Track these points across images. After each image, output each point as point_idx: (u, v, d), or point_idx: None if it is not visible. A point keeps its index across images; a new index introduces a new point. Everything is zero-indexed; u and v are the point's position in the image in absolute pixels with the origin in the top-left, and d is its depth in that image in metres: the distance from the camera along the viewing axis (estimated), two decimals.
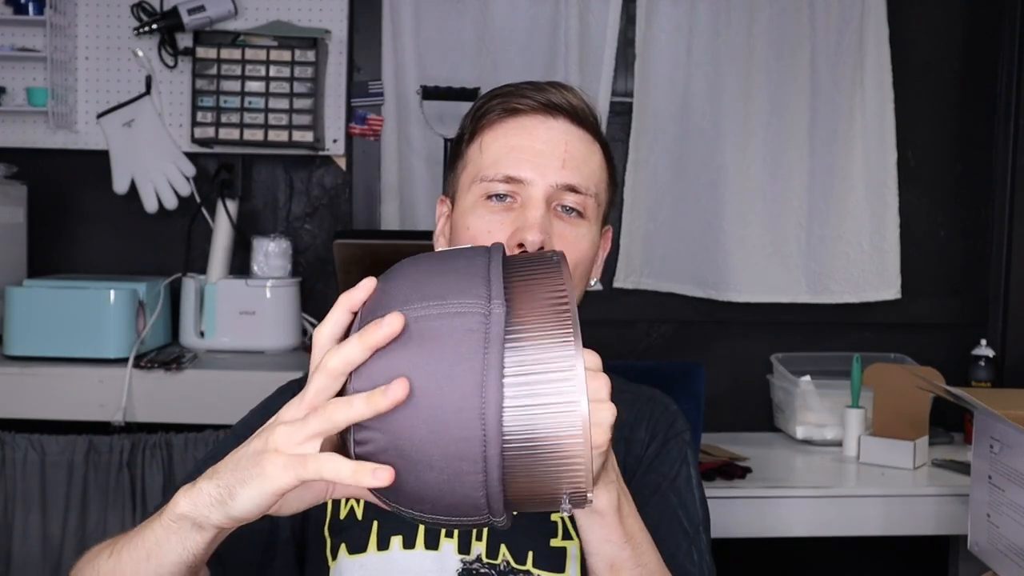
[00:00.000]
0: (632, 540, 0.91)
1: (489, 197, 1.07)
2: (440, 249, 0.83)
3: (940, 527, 2.25)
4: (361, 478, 0.72)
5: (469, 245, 0.83)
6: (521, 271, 0.78)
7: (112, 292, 2.29)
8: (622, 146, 2.73)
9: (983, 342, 2.69)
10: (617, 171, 1.17)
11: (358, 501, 1.08)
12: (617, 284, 2.73)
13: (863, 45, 2.72)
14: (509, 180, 1.06)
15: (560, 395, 0.71)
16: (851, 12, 2.72)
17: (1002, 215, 2.83)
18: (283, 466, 0.74)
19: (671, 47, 2.74)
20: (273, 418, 0.79)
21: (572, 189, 1.07)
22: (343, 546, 1.07)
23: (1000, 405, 1.62)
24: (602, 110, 2.69)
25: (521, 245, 1.03)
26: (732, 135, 2.72)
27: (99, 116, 2.61)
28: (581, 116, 1.10)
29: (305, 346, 2.58)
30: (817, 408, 2.55)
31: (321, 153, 2.68)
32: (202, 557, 0.82)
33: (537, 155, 1.06)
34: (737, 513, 2.20)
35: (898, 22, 2.75)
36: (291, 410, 0.77)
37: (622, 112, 2.76)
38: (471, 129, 1.12)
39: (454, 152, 1.15)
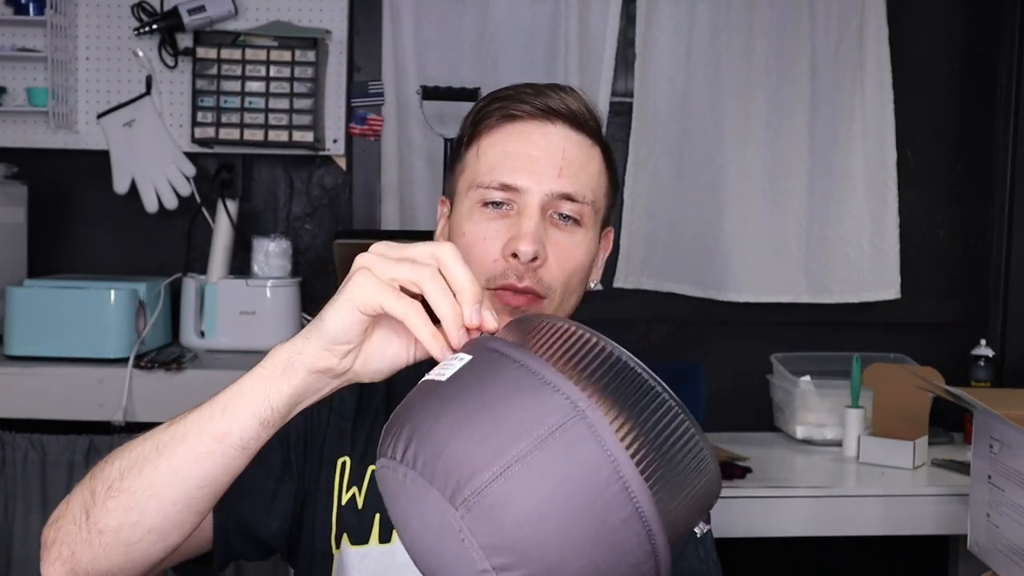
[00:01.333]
0: None
1: (485, 204, 1.06)
2: (448, 382, 0.73)
3: (940, 527, 2.25)
4: (433, 348, 0.75)
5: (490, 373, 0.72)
6: (545, 345, 0.72)
7: (112, 292, 2.29)
8: (622, 146, 2.73)
9: (983, 342, 2.69)
10: (618, 173, 1.17)
11: (359, 489, 1.09)
12: (617, 284, 2.73)
13: (863, 45, 2.72)
14: (505, 188, 1.05)
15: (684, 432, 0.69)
16: (851, 12, 2.72)
17: (1002, 215, 2.83)
18: (372, 284, 0.78)
19: (671, 47, 2.74)
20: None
21: (568, 198, 1.06)
22: (345, 535, 1.08)
23: (1000, 405, 1.62)
24: (602, 110, 2.69)
25: (515, 255, 1.03)
26: (732, 135, 2.72)
27: (99, 116, 2.61)
28: (580, 120, 1.09)
29: None
30: (817, 408, 2.55)
31: (321, 153, 2.68)
32: (278, 416, 0.84)
33: (533, 162, 1.05)
34: (737, 513, 2.20)
35: (898, 22, 2.75)
36: (383, 246, 0.81)
37: (622, 112, 2.76)
38: (469, 133, 1.11)
39: (454, 154, 1.15)
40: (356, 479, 1.10)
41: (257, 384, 0.83)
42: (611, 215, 1.16)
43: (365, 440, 1.12)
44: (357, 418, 1.13)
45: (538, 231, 1.04)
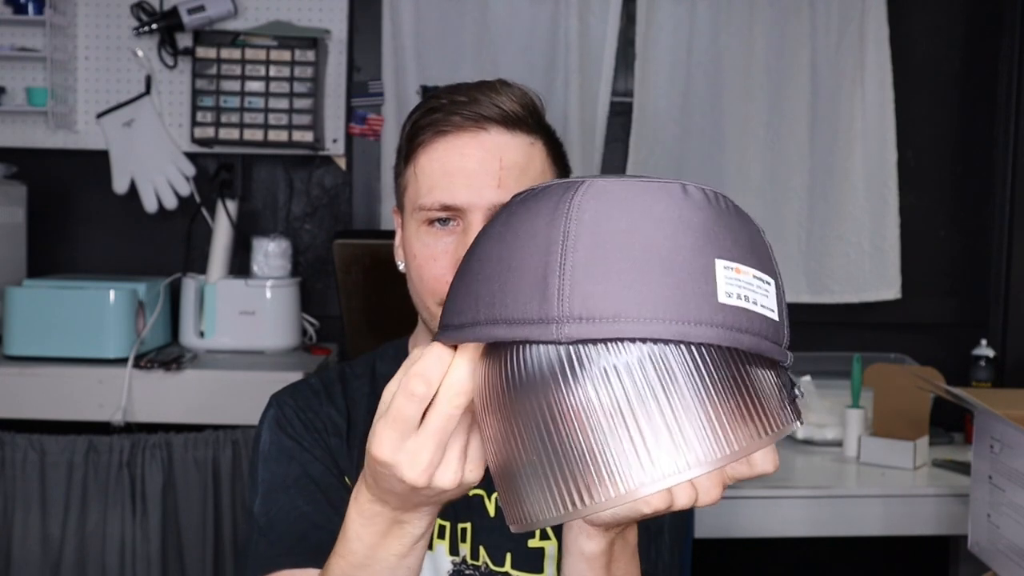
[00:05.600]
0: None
1: (431, 223, 1.05)
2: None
3: (940, 527, 2.25)
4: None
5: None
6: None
7: (112, 292, 2.29)
8: (622, 146, 2.73)
9: (983, 342, 2.69)
10: (568, 157, 1.13)
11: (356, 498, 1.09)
12: None
13: (863, 45, 2.72)
14: (446, 208, 1.03)
15: None
16: (851, 12, 2.72)
17: (1002, 215, 2.83)
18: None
19: (671, 47, 2.74)
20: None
21: None
22: None
23: (1000, 405, 1.61)
24: (601, 110, 2.69)
25: None
26: (732, 135, 2.72)
27: (99, 116, 2.61)
28: (514, 120, 1.06)
29: (305, 346, 2.58)
30: (817, 408, 2.55)
31: (321, 153, 2.68)
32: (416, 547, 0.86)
33: (470, 176, 1.03)
34: (737, 513, 2.20)
35: (898, 22, 2.74)
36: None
37: (622, 112, 2.76)
38: (407, 149, 1.09)
39: (396, 167, 1.13)
40: None
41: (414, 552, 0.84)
42: None
43: (357, 457, 1.11)
44: (349, 438, 1.13)
45: None
